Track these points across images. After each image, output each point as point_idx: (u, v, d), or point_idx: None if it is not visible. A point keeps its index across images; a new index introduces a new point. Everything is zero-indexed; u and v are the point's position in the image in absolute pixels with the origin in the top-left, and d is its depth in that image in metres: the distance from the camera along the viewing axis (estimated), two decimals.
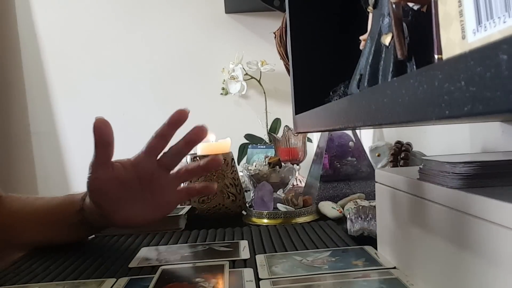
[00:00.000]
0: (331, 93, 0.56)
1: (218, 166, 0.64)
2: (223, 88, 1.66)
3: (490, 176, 0.33)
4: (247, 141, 1.52)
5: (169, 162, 0.58)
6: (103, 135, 0.53)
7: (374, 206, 0.55)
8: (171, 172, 0.59)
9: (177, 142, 0.57)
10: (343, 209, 0.75)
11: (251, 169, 0.92)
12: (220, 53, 1.68)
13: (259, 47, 1.66)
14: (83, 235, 0.65)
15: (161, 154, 0.58)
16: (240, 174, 0.90)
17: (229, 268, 0.48)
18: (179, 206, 0.80)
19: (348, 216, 0.62)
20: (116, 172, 0.56)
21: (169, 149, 0.58)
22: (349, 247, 0.54)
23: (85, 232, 0.65)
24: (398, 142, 0.76)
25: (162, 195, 0.58)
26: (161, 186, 0.58)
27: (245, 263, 0.51)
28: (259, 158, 1.26)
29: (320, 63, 0.68)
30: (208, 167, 0.59)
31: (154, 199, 0.58)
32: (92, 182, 0.54)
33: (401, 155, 0.73)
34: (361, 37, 0.42)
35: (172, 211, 0.62)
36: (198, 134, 0.57)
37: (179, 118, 0.56)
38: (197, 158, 0.79)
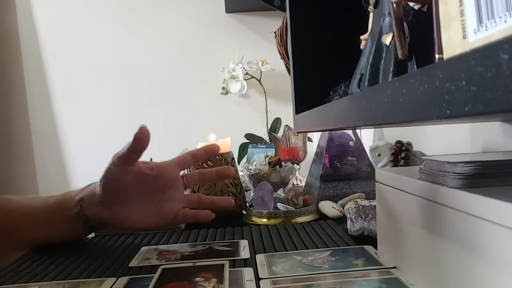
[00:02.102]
0: (331, 93, 0.56)
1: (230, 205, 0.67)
2: (223, 88, 1.66)
3: (490, 176, 0.33)
4: (247, 141, 1.52)
5: (192, 181, 0.65)
6: (143, 142, 0.55)
7: (374, 206, 0.55)
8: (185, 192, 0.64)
9: (207, 170, 0.66)
10: (343, 208, 0.75)
11: (251, 169, 0.92)
12: (221, 53, 1.68)
13: (260, 47, 1.66)
14: (80, 231, 0.65)
15: (188, 172, 0.66)
16: (240, 173, 0.90)
17: (229, 268, 0.48)
18: None
19: (348, 216, 0.62)
20: (137, 169, 0.58)
21: (197, 172, 0.65)
22: (349, 247, 0.54)
23: (82, 228, 0.64)
24: (399, 142, 0.76)
25: (166, 207, 0.61)
26: (171, 198, 0.62)
27: (245, 263, 0.51)
28: (259, 158, 1.27)
29: (321, 62, 0.68)
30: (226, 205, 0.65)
31: (157, 207, 0.61)
32: (109, 172, 0.57)
33: (402, 154, 0.73)
34: (362, 37, 0.42)
35: (161, 228, 0.64)
36: (228, 173, 0.66)
37: (214, 150, 0.66)
38: None
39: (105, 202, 0.59)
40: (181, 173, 0.64)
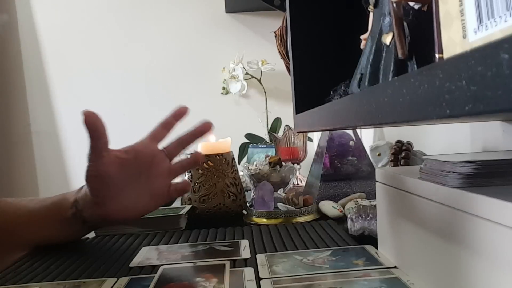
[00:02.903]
0: (331, 93, 0.56)
1: (199, 160, 0.69)
2: (223, 88, 1.66)
3: (490, 175, 0.33)
4: (247, 141, 1.52)
5: (173, 150, 0.64)
6: (94, 127, 0.56)
7: (375, 206, 0.55)
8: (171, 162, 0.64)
9: (183, 133, 0.64)
10: (343, 208, 0.75)
11: (251, 169, 0.92)
12: (221, 53, 1.68)
13: (260, 47, 1.66)
14: (78, 231, 0.65)
15: (167, 143, 0.64)
16: (241, 173, 0.90)
17: (230, 268, 0.48)
18: (179, 205, 0.80)
19: (349, 216, 0.62)
20: (114, 157, 0.58)
21: (175, 138, 0.64)
22: (349, 247, 0.54)
23: (80, 228, 0.64)
24: (399, 142, 0.76)
25: (156, 184, 0.61)
26: (158, 173, 0.61)
27: (245, 263, 0.51)
28: (259, 158, 1.26)
29: (321, 62, 0.68)
30: (195, 162, 0.67)
31: (148, 187, 0.61)
32: (90, 169, 0.57)
33: (402, 154, 0.73)
34: (362, 36, 0.42)
35: (160, 206, 0.64)
36: (204, 128, 0.65)
37: (181, 111, 0.65)
38: None
39: (98, 201, 0.59)
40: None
